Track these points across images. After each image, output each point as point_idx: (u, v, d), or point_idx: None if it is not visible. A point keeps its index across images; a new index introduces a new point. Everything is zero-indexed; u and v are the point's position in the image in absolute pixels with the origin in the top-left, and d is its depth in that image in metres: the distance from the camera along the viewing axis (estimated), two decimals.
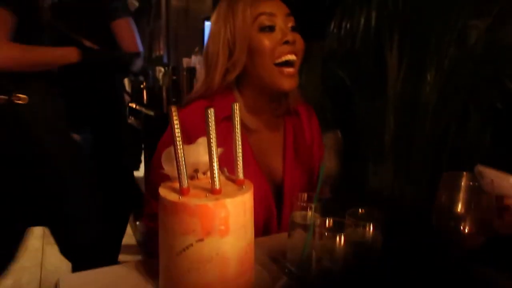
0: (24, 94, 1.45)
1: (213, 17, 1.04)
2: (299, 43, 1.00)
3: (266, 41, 0.97)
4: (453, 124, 1.73)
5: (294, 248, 0.80)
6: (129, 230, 3.22)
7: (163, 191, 0.69)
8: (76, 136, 1.72)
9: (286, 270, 0.80)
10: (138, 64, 1.81)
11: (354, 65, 1.74)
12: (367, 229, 0.68)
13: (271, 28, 0.97)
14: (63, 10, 1.74)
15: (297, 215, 0.79)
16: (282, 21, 0.98)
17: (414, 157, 1.70)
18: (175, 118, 0.65)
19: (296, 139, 1.13)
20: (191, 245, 0.65)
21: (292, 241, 0.81)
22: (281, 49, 0.97)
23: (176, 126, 0.66)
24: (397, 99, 1.70)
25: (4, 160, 1.48)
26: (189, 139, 0.98)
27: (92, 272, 0.81)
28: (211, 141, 0.66)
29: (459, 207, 0.68)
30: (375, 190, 1.71)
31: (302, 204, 0.80)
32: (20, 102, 1.44)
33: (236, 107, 0.70)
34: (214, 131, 0.66)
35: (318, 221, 0.66)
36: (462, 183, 0.68)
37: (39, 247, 2.81)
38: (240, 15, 0.98)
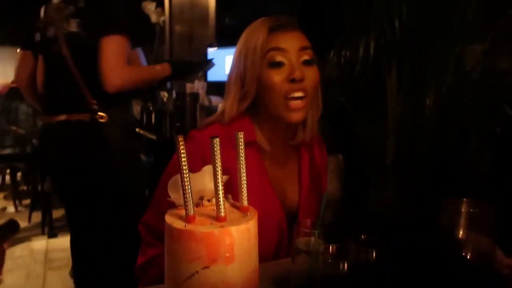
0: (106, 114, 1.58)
1: (237, 45, 1.07)
2: (310, 79, 0.99)
3: (275, 77, 0.98)
4: (452, 148, 1.76)
5: (298, 274, 0.81)
6: None
7: (169, 219, 0.70)
8: (142, 157, 1.82)
9: None
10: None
11: (354, 90, 1.78)
12: (370, 255, 0.68)
13: (279, 64, 0.98)
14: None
15: (301, 242, 0.80)
16: (294, 56, 0.98)
17: (415, 179, 1.71)
18: (181, 147, 0.67)
19: (311, 169, 1.15)
20: (197, 272, 0.66)
21: (296, 267, 0.82)
22: (288, 86, 0.98)
23: (182, 155, 0.67)
24: (397, 123, 1.73)
25: (83, 169, 1.62)
26: (204, 161, 1.01)
27: None
28: (217, 169, 0.68)
29: (460, 233, 0.69)
30: (376, 211, 1.72)
31: (305, 231, 0.81)
32: (102, 120, 1.56)
33: (241, 135, 0.72)
34: (220, 160, 0.68)
35: (321, 248, 0.67)
36: (463, 210, 0.69)
37: (41, 272, 2.79)
38: (252, 49, 0.99)
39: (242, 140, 0.73)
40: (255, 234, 0.72)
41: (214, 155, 0.68)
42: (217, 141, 0.67)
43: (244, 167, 0.74)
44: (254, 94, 1.02)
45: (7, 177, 5.08)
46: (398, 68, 1.66)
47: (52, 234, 3.53)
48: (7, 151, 4.24)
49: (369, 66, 1.63)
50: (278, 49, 0.98)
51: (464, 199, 0.71)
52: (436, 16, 1.41)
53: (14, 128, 4.00)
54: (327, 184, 1.95)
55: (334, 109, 1.88)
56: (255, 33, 1.00)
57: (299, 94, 0.98)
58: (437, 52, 1.59)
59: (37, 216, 3.78)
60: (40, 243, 3.21)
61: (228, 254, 0.66)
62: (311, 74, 1.00)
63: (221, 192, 0.69)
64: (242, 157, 0.74)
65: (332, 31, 1.62)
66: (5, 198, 4.95)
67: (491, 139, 1.66)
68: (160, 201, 1.07)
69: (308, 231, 0.80)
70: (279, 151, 1.11)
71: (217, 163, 0.68)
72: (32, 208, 3.92)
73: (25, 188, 4.77)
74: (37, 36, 1.55)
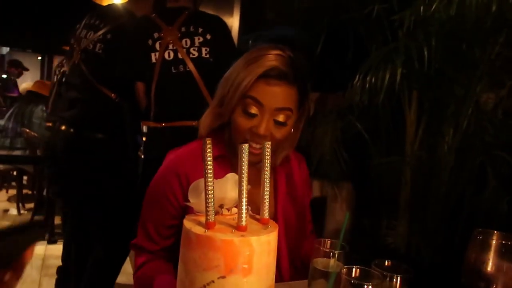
0: None
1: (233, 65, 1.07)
2: (275, 137, 1.00)
3: (243, 122, 0.99)
4: (470, 187, 1.72)
5: None
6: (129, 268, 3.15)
7: (187, 223, 0.68)
8: None
9: None
10: None
11: (372, 119, 1.77)
12: (395, 281, 0.65)
13: (251, 115, 0.99)
14: (92, 56, 1.89)
15: (319, 262, 0.77)
16: (268, 113, 0.98)
17: (430, 215, 1.67)
18: (208, 150, 0.66)
19: (288, 182, 1.16)
20: (213, 281, 0.63)
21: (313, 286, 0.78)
22: (251, 136, 1.00)
23: (208, 159, 0.66)
24: (414, 156, 1.70)
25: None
26: (178, 176, 1.01)
27: None
28: (242, 177, 0.66)
29: (490, 267, 0.66)
30: (390, 246, 1.67)
31: (324, 250, 0.78)
32: None
33: (245, 147, 0.70)
34: (247, 168, 0.66)
35: (344, 270, 0.64)
36: (493, 242, 0.66)
37: (36, 278, 2.74)
38: (236, 84, 0.99)
39: (269, 151, 0.72)
40: (274, 248, 0.69)
41: (241, 162, 0.66)
42: (246, 147, 0.66)
43: (268, 178, 0.72)
44: (227, 119, 1.04)
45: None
46: (419, 100, 1.65)
47: (52, 241, 3.48)
48: (17, 153, 4.25)
49: (390, 96, 1.63)
50: (256, 101, 0.97)
51: (495, 231, 0.68)
52: (463, 52, 1.41)
53: (27, 130, 4.02)
54: (337, 211, 1.91)
55: (350, 136, 1.86)
56: (247, 70, 0.98)
57: (258, 146, 1.00)
58: (461, 88, 1.58)
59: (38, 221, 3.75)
60: (39, 248, 3.16)
61: (246, 266, 0.64)
62: (279, 134, 1.00)
63: (244, 201, 0.67)
64: (267, 167, 0.72)
65: (356, 58, 1.63)
66: (8, 200, 4.93)
67: (510, 180, 1.63)
68: (146, 223, 1.08)
69: (327, 251, 0.77)
70: (251, 167, 1.09)
71: (243, 171, 0.66)
72: (34, 212, 3.89)
73: (29, 192, 4.75)
74: (153, 58, 1.74)
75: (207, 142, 0.66)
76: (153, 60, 1.74)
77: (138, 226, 1.11)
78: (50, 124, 2.26)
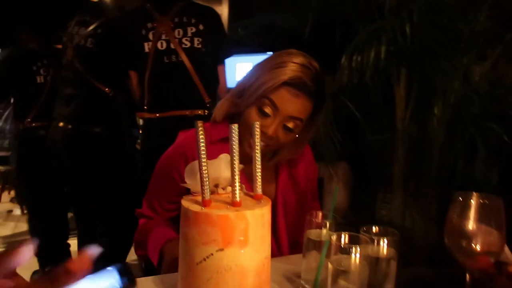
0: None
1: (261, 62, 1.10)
2: (280, 140, 1.04)
3: (254, 119, 1.02)
4: (461, 158, 1.77)
5: (309, 268, 0.82)
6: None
7: (185, 203, 0.72)
8: None
9: None
10: None
11: (363, 99, 1.80)
12: (382, 245, 0.70)
13: (265, 114, 1.02)
14: (84, 52, 1.93)
15: (312, 233, 0.82)
16: (281, 117, 1.01)
17: (423, 188, 1.72)
18: (200, 132, 0.70)
19: (290, 167, 1.19)
20: (212, 254, 0.67)
21: (307, 261, 0.83)
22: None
23: (201, 140, 0.70)
24: (405, 132, 1.74)
25: None
26: (185, 157, 1.06)
27: None
28: (234, 155, 0.70)
29: (470, 226, 0.70)
30: (385, 219, 1.72)
31: (316, 221, 0.82)
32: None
33: (257, 126, 0.74)
34: (238, 147, 0.70)
35: (334, 236, 0.69)
36: (473, 202, 0.70)
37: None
38: (260, 84, 1.02)
39: (258, 131, 0.75)
40: (268, 221, 0.73)
41: (232, 142, 0.70)
42: (235, 127, 0.70)
43: (259, 157, 0.76)
44: (241, 110, 1.07)
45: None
46: (407, 77, 1.69)
47: None
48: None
49: (379, 74, 1.66)
50: (273, 104, 1.00)
51: (474, 192, 0.72)
52: (446, 27, 1.44)
53: None
54: (334, 192, 1.96)
55: (343, 117, 1.90)
56: (272, 73, 1.01)
57: (262, 143, 1.01)
58: (446, 62, 1.62)
59: None
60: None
61: (242, 238, 0.68)
62: (283, 138, 1.04)
63: (237, 178, 0.71)
64: (257, 145, 0.76)
65: (344, 39, 1.66)
66: (11, 201, 4.97)
67: (499, 150, 1.67)
68: (151, 196, 1.15)
69: (319, 222, 0.82)
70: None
71: (234, 150, 0.70)
72: None
73: None
74: (146, 48, 1.77)
75: (199, 125, 0.70)
76: (146, 49, 1.76)
77: (144, 197, 1.16)
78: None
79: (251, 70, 1.09)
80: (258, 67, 1.07)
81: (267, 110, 1.01)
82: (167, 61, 1.76)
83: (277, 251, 1.14)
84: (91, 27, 1.96)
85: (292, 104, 1.01)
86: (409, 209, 1.70)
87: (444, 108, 1.65)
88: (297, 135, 1.08)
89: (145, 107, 1.82)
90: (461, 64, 1.54)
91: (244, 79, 1.10)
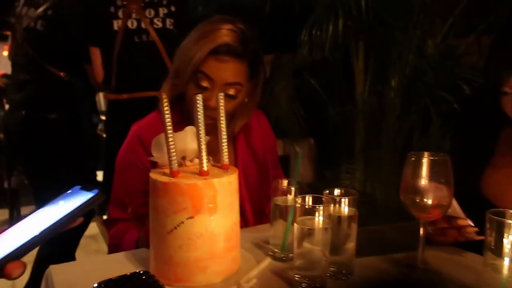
0: None
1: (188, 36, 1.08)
2: (226, 109, 1.03)
3: (193, 93, 0.99)
4: (416, 127, 1.86)
5: (277, 234, 0.85)
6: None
7: (154, 175, 0.73)
8: None
9: (270, 253, 0.85)
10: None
11: (324, 73, 1.85)
12: (343, 204, 0.74)
13: (203, 88, 1.02)
14: (34, 35, 1.83)
15: (278, 199, 0.85)
16: (218, 88, 1.01)
17: (383, 158, 1.81)
18: (165, 104, 0.71)
19: (247, 137, 1.21)
20: (182, 222, 0.69)
21: (275, 228, 0.86)
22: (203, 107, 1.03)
23: (166, 113, 0.71)
24: (365, 105, 1.81)
25: None
26: (143, 144, 1.06)
27: (81, 262, 0.83)
28: (199, 125, 0.72)
29: (423, 183, 0.76)
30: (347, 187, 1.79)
31: (282, 188, 0.86)
32: None
33: (221, 97, 0.76)
34: (203, 116, 0.72)
35: (298, 199, 0.72)
36: (424, 160, 0.76)
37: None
38: (188, 59, 1.01)
39: (200, 103, 0.75)
40: (236, 189, 0.76)
41: (197, 112, 0.72)
42: (200, 97, 0.71)
43: (224, 128, 0.78)
44: (182, 90, 1.07)
45: None
46: (365, 50, 1.75)
47: None
48: None
49: (338, 49, 1.70)
50: (206, 76, 1.01)
51: (425, 152, 0.78)
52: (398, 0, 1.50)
53: None
54: (298, 167, 2.01)
55: (305, 93, 1.94)
56: (198, 45, 1.00)
57: (209, 117, 0.98)
58: (400, 35, 1.68)
59: (3, 214, 3.66)
60: None
61: (211, 205, 0.71)
62: (229, 106, 1.03)
63: (204, 147, 0.73)
64: (222, 116, 0.77)
65: (304, 14, 1.69)
66: None
67: (451, 118, 1.77)
68: (119, 193, 1.11)
69: (285, 188, 0.85)
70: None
71: (199, 120, 0.72)
72: None
73: None
74: (116, 26, 1.70)
75: (164, 96, 0.71)
76: (115, 27, 1.71)
77: (109, 204, 1.14)
78: None
79: (180, 48, 1.08)
80: (185, 43, 1.06)
81: (204, 83, 1.01)
82: (137, 40, 1.72)
83: (242, 222, 1.16)
84: (40, 9, 1.87)
85: (225, 71, 1.01)
86: (370, 177, 1.78)
87: (400, 79, 1.73)
88: (246, 100, 1.08)
89: (112, 88, 1.77)
90: (414, 36, 1.61)
91: (176, 59, 1.09)
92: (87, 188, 0.45)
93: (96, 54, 1.78)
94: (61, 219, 0.43)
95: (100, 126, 3.54)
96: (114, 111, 1.86)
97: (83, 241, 2.13)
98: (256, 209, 1.20)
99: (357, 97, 1.86)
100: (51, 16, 1.86)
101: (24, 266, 0.42)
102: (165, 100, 0.71)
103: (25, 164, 2.03)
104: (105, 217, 3.40)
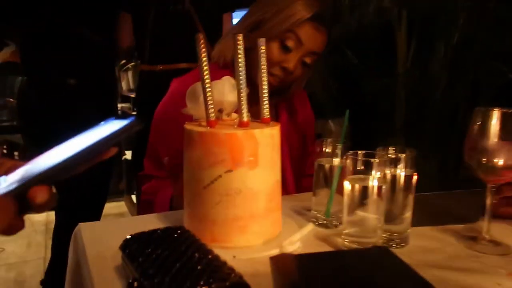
0: None
1: None
2: (296, 75, 1.02)
3: (275, 54, 0.98)
4: (464, 102, 1.73)
5: (320, 200, 0.78)
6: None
7: (188, 126, 0.67)
8: None
9: (313, 218, 0.78)
10: None
11: (362, 44, 1.74)
12: (399, 163, 0.66)
13: (287, 49, 0.98)
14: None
15: (323, 160, 0.77)
16: (301, 52, 0.99)
17: (426, 134, 1.69)
18: (202, 46, 0.64)
19: (290, 113, 1.17)
20: (220, 176, 0.63)
21: (318, 195, 0.78)
22: (276, 67, 0.99)
23: (203, 55, 0.64)
24: (407, 77, 1.69)
25: None
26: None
27: (110, 221, 0.79)
28: (240, 70, 0.65)
29: (492, 142, 0.67)
30: None
31: (325, 152, 0.78)
32: None
33: (262, 43, 0.68)
34: (244, 59, 0.64)
35: (350, 153, 0.64)
36: (495, 116, 0.66)
37: (41, 241, 2.78)
38: (286, 15, 0.96)
39: (263, 50, 0.69)
40: (278, 144, 0.69)
41: (237, 55, 0.64)
42: (241, 37, 0.64)
43: (266, 80, 0.70)
44: (251, 45, 1.00)
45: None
46: (408, 19, 1.62)
47: (52, 208, 3.50)
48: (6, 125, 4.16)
49: (378, 18, 1.59)
50: (298, 39, 0.97)
51: (495, 108, 0.68)
52: None
53: (11, 100, 3.92)
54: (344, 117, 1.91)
55: (340, 65, 1.84)
56: (300, 5, 0.96)
57: (275, 78, 1.00)
58: (447, 2, 1.55)
59: None
60: (40, 215, 3.18)
61: (252, 158, 0.63)
62: (300, 74, 1.03)
63: (244, 97, 0.66)
64: (263, 67, 0.70)
65: None
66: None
67: (503, 90, 1.63)
68: (158, 150, 1.06)
69: (329, 151, 0.77)
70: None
71: (240, 63, 0.65)
72: None
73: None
74: None
75: (200, 38, 0.64)
76: None
77: (145, 159, 1.09)
78: None
79: (267, 1, 1.02)
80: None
81: (290, 44, 0.97)
82: (172, 9, 1.68)
83: (283, 190, 1.10)
84: None
85: (316, 40, 0.99)
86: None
87: (447, 49, 1.60)
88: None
89: (146, 60, 1.73)
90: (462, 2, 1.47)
91: (259, 11, 1.02)
92: (122, 117, 0.39)
93: (126, 19, 1.73)
94: (95, 143, 0.37)
95: (128, 104, 3.53)
96: (146, 83, 1.81)
97: (111, 219, 2.12)
98: (297, 182, 1.14)
99: (399, 68, 1.74)
100: None
101: (50, 191, 0.37)
102: (202, 43, 0.64)
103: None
104: (133, 196, 3.41)
